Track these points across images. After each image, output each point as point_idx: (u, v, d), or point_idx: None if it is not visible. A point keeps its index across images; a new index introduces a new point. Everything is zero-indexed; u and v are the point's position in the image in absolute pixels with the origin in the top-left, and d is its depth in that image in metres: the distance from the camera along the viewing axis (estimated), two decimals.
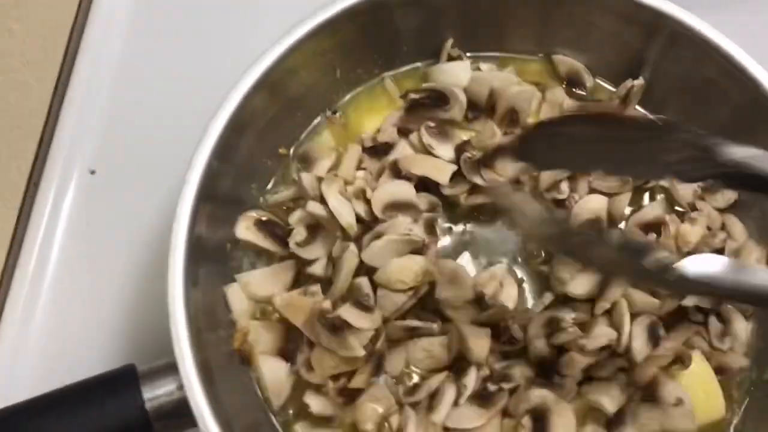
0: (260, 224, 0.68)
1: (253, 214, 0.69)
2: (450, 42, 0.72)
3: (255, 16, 0.87)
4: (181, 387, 0.57)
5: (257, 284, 0.67)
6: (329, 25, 0.65)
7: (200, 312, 0.61)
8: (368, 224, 0.66)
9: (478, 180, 0.66)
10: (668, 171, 0.55)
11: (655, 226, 0.67)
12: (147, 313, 0.73)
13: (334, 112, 0.73)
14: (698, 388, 0.64)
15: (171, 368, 0.57)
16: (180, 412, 0.57)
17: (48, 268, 0.76)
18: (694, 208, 0.69)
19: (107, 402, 0.57)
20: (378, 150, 0.69)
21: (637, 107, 0.72)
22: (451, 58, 0.72)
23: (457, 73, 0.70)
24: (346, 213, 0.65)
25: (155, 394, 0.58)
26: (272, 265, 0.68)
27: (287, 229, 0.68)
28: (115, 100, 0.84)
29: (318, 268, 0.66)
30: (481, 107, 0.69)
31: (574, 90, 0.73)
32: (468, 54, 0.73)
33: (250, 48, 0.66)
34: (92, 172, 0.80)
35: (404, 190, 0.66)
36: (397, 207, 0.65)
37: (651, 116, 0.71)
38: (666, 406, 0.61)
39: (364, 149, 0.70)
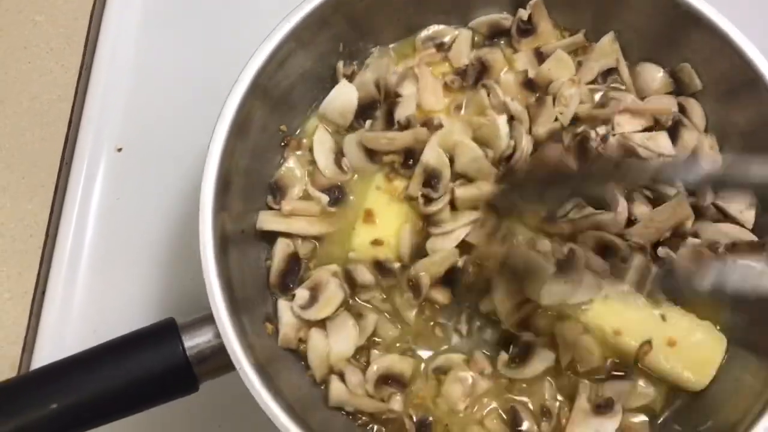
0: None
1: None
2: (341, 64, 0.78)
3: None
4: (218, 335, 0.63)
5: None
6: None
7: (231, 271, 0.66)
8: None
9: None
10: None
11: None
12: (180, 274, 0.80)
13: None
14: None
15: (208, 320, 0.63)
16: (218, 357, 0.63)
17: (85, 239, 0.82)
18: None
19: (152, 351, 0.63)
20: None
21: None
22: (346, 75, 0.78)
23: (345, 93, 0.76)
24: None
25: (195, 342, 0.64)
26: None
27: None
28: (136, 81, 0.89)
29: None
30: (379, 100, 0.77)
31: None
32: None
33: (265, 25, 0.69)
34: (119, 150, 0.86)
35: None
36: None
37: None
38: None
39: None
